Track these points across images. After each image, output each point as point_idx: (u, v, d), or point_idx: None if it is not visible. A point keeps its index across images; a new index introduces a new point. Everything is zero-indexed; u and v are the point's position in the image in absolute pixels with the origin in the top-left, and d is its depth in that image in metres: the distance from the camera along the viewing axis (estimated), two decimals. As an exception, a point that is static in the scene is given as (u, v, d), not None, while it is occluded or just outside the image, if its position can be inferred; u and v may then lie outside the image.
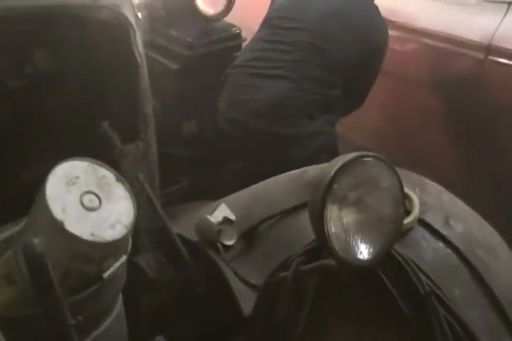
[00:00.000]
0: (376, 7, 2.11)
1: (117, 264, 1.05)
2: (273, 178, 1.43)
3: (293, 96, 1.94)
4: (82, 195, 1.02)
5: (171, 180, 1.90)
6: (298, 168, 1.42)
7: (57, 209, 0.97)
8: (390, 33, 2.42)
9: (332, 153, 1.92)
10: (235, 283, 1.18)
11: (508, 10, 2.14)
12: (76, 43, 1.36)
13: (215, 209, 1.30)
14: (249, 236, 1.26)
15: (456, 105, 2.31)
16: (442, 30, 2.33)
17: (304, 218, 1.05)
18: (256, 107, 1.94)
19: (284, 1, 2.16)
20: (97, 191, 1.05)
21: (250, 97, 1.96)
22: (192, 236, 1.30)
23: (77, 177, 1.04)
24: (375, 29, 2.06)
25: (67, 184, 1.01)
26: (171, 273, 1.27)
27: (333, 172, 0.96)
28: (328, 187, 0.95)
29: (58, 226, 0.95)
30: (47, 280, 0.82)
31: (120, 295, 1.14)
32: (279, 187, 1.39)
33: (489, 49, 2.12)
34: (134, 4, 1.87)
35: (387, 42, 2.09)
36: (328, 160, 1.92)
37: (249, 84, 1.99)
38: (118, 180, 1.10)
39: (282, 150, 1.93)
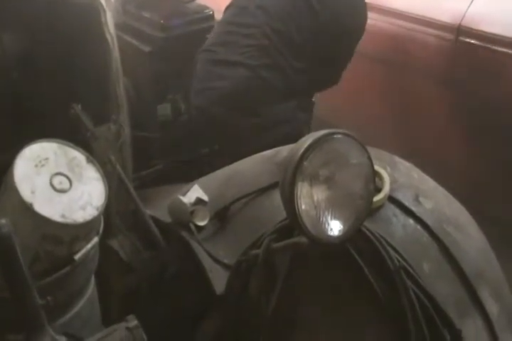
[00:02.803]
0: None
1: (89, 246, 1.05)
2: (246, 159, 1.43)
3: (252, 85, 1.88)
4: (52, 177, 1.01)
5: (145, 163, 1.89)
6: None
7: (26, 191, 0.96)
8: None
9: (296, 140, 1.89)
10: (208, 263, 1.18)
11: (477, -9, 2.17)
12: (46, 25, 1.34)
13: (188, 190, 1.30)
14: (222, 216, 1.26)
15: (428, 84, 2.33)
16: (414, 11, 2.35)
17: (277, 197, 1.04)
18: (216, 96, 1.91)
19: None
20: (67, 172, 1.04)
21: (212, 85, 1.93)
22: (165, 217, 1.30)
23: (47, 158, 1.03)
24: (347, 14, 1.94)
25: (36, 166, 1.00)
26: (145, 255, 1.27)
27: (302, 149, 0.96)
28: (298, 164, 0.95)
29: (27, 208, 0.95)
30: (15, 262, 0.81)
31: (93, 277, 1.14)
32: (252, 167, 1.39)
33: (459, 30, 2.15)
34: (106, -14, 1.84)
35: (362, 27, 1.98)
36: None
37: (211, 70, 1.95)
38: (89, 161, 1.09)
39: (244, 140, 1.89)
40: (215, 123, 1.94)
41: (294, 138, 1.91)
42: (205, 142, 2.04)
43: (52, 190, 1.00)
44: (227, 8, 2.08)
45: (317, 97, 2.18)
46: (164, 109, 2.06)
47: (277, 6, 1.91)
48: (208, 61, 1.98)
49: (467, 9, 2.16)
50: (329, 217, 0.99)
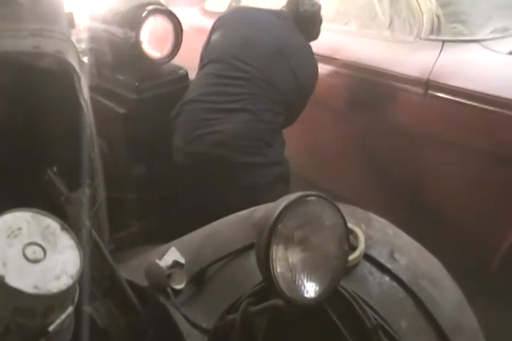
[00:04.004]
0: (310, 46, 2.38)
1: (63, 316, 1.03)
2: (222, 219, 1.43)
3: (254, 126, 2.05)
4: (24, 247, 1.00)
5: (121, 225, 1.88)
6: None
7: (-3, 264, 0.95)
8: (334, 69, 2.53)
9: (286, 181, 2.13)
10: (185, 328, 1.16)
11: (442, 47, 2.25)
12: (19, 90, 1.35)
13: (165, 253, 1.30)
14: (199, 279, 1.25)
15: (399, 138, 2.38)
16: (383, 66, 2.43)
17: (253, 258, 1.05)
18: (219, 138, 2.01)
19: (225, 38, 2.28)
20: (41, 242, 1.03)
21: (212, 130, 2.02)
22: (141, 281, 1.28)
23: (20, 228, 1.02)
24: (309, 66, 2.33)
25: (8, 236, 0.99)
26: (121, 320, 1.25)
27: (277, 212, 0.97)
28: (273, 227, 0.96)
29: (-2, 281, 0.93)
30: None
31: (68, 347, 1.11)
32: (228, 227, 1.39)
33: (428, 84, 2.21)
34: (80, 49, 1.88)
35: (317, 76, 2.36)
36: (283, 188, 2.07)
37: (207, 118, 2.05)
38: (63, 229, 1.08)
39: (244, 178, 2.01)
40: (212, 165, 2.01)
41: (285, 179, 2.12)
42: (182, 201, 2.04)
43: (25, 261, 0.98)
44: (208, 63, 2.22)
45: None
46: (139, 170, 2.08)
47: (263, 64, 2.15)
48: (200, 110, 2.07)
49: (434, 64, 2.23)
50: (305, 279, 0.99)
